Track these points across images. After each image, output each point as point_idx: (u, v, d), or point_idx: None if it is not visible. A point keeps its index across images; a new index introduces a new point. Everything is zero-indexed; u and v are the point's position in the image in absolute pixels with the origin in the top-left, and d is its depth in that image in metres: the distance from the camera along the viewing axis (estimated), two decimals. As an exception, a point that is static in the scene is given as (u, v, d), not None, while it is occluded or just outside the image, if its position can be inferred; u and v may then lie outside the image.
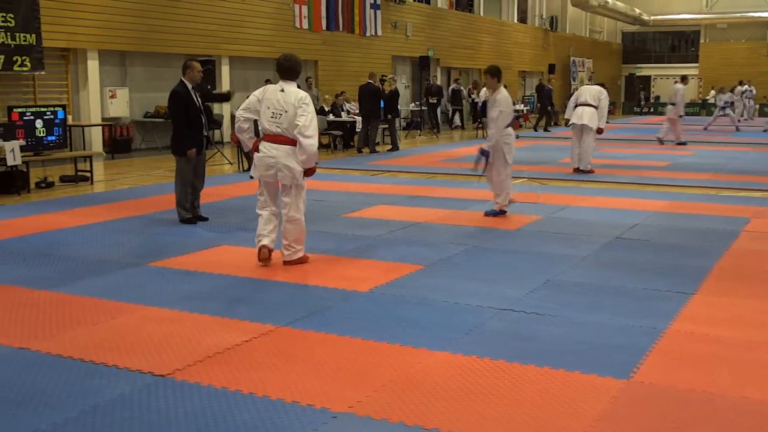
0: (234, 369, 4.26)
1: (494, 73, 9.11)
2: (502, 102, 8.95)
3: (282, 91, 6.49)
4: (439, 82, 27.74)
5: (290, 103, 6.42)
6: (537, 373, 4.22)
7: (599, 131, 13.53)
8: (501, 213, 9.11)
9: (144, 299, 5.61)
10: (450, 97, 27.67)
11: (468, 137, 22.96)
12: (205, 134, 8.88)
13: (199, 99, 8.76)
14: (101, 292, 5.82)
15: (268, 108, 6.50)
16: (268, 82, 19.95)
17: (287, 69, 6.61)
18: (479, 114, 23.27)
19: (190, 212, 8.80)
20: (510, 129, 9.16)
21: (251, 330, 4.92)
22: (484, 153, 8.82)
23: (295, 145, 6.47)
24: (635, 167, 14.52)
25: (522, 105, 28.25)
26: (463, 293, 5.80)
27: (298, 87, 6.64)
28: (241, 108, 6.81)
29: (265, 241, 6.71)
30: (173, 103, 8.70)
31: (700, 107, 40.30)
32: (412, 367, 4.32)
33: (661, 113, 37.54)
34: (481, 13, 32.67)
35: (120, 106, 17.06)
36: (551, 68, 36.56)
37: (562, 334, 4.89)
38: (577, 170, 13.60)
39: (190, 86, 8.70)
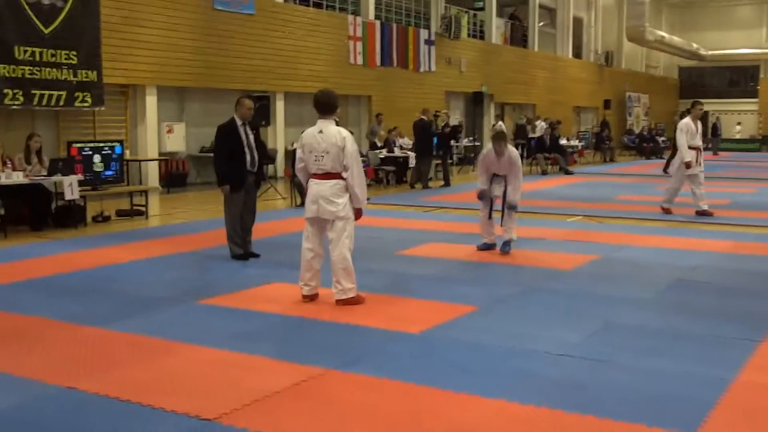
0: (281, 415, 4.15)
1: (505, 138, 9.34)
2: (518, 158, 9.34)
3: (321, 132, 6.47)
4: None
5: (332, 143, 6.39)
6: (597, 425, 4.02)
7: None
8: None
9: (193, 338, 5.55)
10: (514, 132, 27.60)
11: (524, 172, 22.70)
12: (252, 170, 8.79)
13: (249, 135, 8.77)
14: (151, 329, 5.78)
15: (311, 152, 6.49)
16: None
17: (324, 105, 6.57)
18: (533, 150, 23.07)
19: (241, 248, 8.76)
20: None
21: (300, 373, 4.80)
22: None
23: (340, 179, 6.43)
24: (694, 205, 14.12)
25: (577, 140, 27.92)
26: (518, 336, 5.62)
27: (337, 123, 6.63)
28: (296, 161, 6.78)
29: (305, 291, 6.70)
30: (216, 137, 8.84)
31: (761, 143, 39.40)
32: (465, 415, 4.15)
33: (721, 149, 36.92)
34: (536, 49, 32.55)
35: (177, 141, 17.30)
36: (606, 104, 36.18)
37: (623, 383, 4.67)
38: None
39: (239, 122, 8.72)
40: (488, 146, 9.30)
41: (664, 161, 22.12)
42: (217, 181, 8.79)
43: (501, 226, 9.17)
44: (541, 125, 25.71)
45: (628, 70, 41.72)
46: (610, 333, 5.75)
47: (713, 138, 35.65)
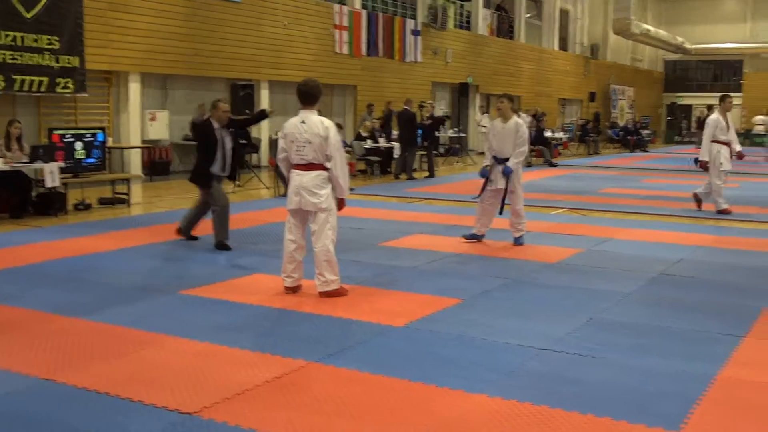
0: (263, 408, 4.10)
1: (511, 98, 9.21)
2: (526, 131, 9.25)
3: (303, 122, 6.41)
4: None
5: (314, 134, 6.34)
6: (580, 421, 4.00)
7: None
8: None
9: (174, 330, 5.49)
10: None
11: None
12: (223, 174, 8.82)
13: (226, 138, 8.75)
14: (132, 320, 5.71)
15: (293, 142, 6.43)
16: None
17: (306, 95, 6.50)
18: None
19: (225, 238, 8.72)
20: None
21: (282, 366, 4.76)
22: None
23: (323, 170, 6.38)
24: (678, 199, 14.15)
25: (562, 133, 27.95)
26: (502, 330, 5.59)
27: (319, 113, 6.57)
28: (278, 151, 6.70)
29: (288, 283, 6.67)
30: (194, 134, 8.91)
31: (743, 137, 39.58)
32: (448, 410, 4.12)
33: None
34: (522, 40, 32.53)
35: (160, 129, 17.16)
36: (592, 96, 36.25)
37: (607, 378, 4.65)
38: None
39: (216, 125, 8.68)
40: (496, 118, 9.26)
41: (648, 154, 22.17)
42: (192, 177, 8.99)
43: (501, 215, 9.20)
44: (524, 118, 25.74)
45: (613, 63, 41.80)
46: (594, 327, 5.74)
47: (697, 131, 35.86)
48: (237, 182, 10.47)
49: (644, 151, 31.40)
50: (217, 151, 8.65)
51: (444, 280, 7.23)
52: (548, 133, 24.36)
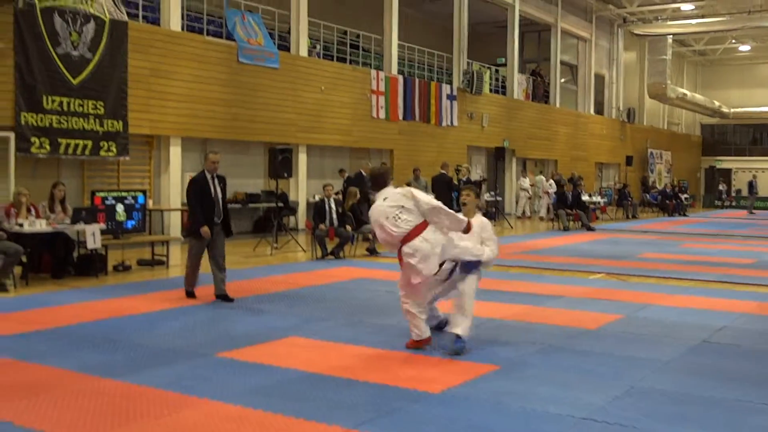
0: (297, 475, 4.06)
1: (478, 193, 8.01)
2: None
3: (386, 199, 6.82)
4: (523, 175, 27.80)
5: (404, 198, 6.77)
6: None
7: None
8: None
9: (209, 393, 5.48)
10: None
11: (545, 228, 22.61)
12: (218, 220, 9.36)
13: (218, 187, 9.36)
14: (167, 383, 5.72)
15: (387, 218, 6.74)
16: (341, 171, 20.26)
17: (377, 180, 7.13)
18: (555, 206, 23.00)
19: (193, 287, 9.50)
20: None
21: None
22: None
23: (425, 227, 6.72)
24: (719, 264, 13.96)
25: (599, 197, 27.84)
26: (540, 398, 5.49)
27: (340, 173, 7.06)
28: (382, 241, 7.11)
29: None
30: (189, 188, 9.46)
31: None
32: (485, 481, 4.04)
33: (743, 207, 36.71)
34: (557, 105, 32.70)
35: (199, 191, 17.37)
36: (628, 160, 36.18)
37: (649, 450, 4.53)
38: None
39: (209, 175, 9.33)
40: None
41: (687, 219, 22.00)
42: (190, 229, 9.53)
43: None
44: (545, 182, 26.12)
45: (649, 127, 41.75)
46: (634, 397, 5.61)
47: (749, 196, 35.76)
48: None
49: (683, 215, 31.09)
50: (212, 200, 9.29)
51: (481, 345, 7.15)
52: (586, 197, 24.26)
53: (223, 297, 9.30)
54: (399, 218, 6.69)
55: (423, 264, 6.70)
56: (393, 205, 6.75)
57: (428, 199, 6.83)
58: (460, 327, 6.79)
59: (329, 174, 20.36)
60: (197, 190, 9.27)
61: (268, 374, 6.06)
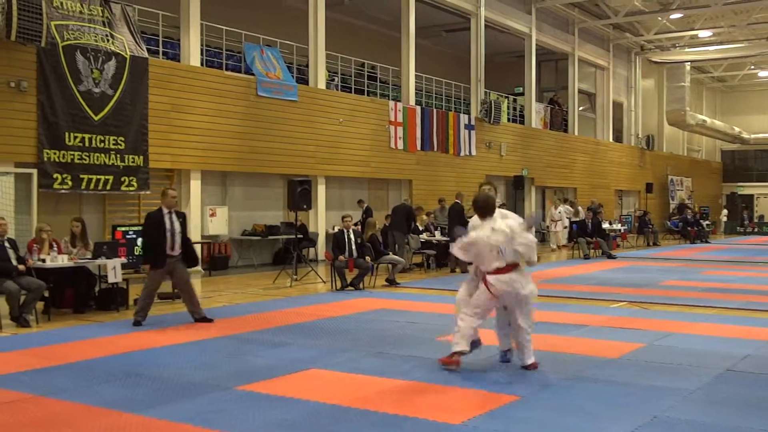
0: None
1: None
2: None
3: (494, 230, 7.16)
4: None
5: (507, 233, 7.15)
6: None
7: None
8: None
9: (230, 426, 5.47)
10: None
11: (566, 256, 22.50)
12: (173, 253, 9.91)
13: (175, 222, 9.92)
14: (188, 417, 5.71)
15: (491, 251, 7.13)
16: (360, 202, 20.32)
17: (487, 208, 7.37)
18: (575, 234, 22.89)
19: (142, 318, 9.88)
20: None
21: (337, 464, 4.69)
22: None
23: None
24: (742, 291, 13.80)
25: (619, 224, 27.67)
26: (562, 428, 5.44)
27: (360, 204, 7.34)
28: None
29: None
30: (144, 224, 10.23)
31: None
32: None
33: (766, 233, 36.33)
34: (576, 133, 32.69)
35: (219, 224, 17.53)
36: (649, 187, 36.01)
37: (674, 481, 4.47)
38: None
39: (165, 211, 9.91)
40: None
41: (709, 245, 21.83)
42: (143, 260, 10.23)
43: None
44: (562, 209, 25.53)
45: (669, 154, 41.61)
46: (658, 427, 5.54)
47: None
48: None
49: (705, 242, 30.83)
50: (166, 234, 9.82)
51: (501, 375, 7.11)
52: (606, 225, 24.13)
53: (201, 319, 9.98)
54: (502, 252, 7.10)
55: (508, 295, 7.23)
56: (499, 239, 7.12)
57: (529, 236, 7.26)
58: (532, 357, 7.31)
59: (348, 205, 20.44)
60: (152, 225, 9.93)
61: (288, 407, 6.04)
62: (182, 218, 10.15)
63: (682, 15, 31.96)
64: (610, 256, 21.64)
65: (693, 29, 34.06)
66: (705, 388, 6.70)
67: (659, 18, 32.80)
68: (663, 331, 9.57)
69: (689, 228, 31.48)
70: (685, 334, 9.36)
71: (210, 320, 10.00)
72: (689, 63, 37.99)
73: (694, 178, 43.28)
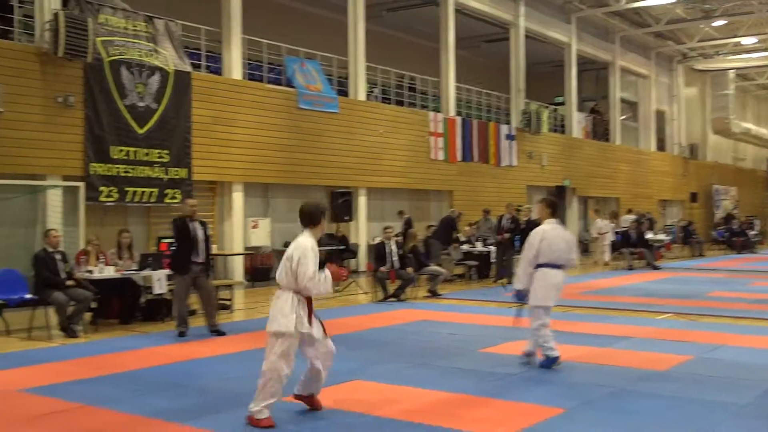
0: None
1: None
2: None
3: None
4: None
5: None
6: None
7: None
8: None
9: (275, 437, 5.49)
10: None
11: (609, 267, 22.23)
12: (197, 260, 10.01)
13: (198, 230, 10.09)
14: (233, 427, 5.75)
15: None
16: (401, 213, 20.33)
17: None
18: (618, 244, 22.60)
19: (185, 327, 9.98)
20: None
21: (383, 477, 4.67)
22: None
23: None
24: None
25: (664, 235, 27.26)
26: (609, 443, 5.36)
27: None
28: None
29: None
30: (173, 230, 10.30)
31: None
32: None
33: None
34: (618, 142, 32.36)
35: (261, 236, 17.65)
36: (693, 197, 35.47)
37: (726, 497, 4.37)
38: None
39: (189, 219, 10.08)
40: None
41: (757, 256, 21.42)
42: (172, 266, 10.38)
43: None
44: (601, 222, 24.78)
45: (714, 163, 40.97)
46: (709, 441, 5.44)
47: None
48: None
49: (752, 252, 30.24)
50: (191, 241, 10.01)
51: (546, 388, 7.04)
52: (650, 235, 23.78)
53: (216, 332, 10.06)
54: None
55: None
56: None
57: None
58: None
59: (389, 216, 20.45)
60: (177, 230, 10.12)
61: (333, 417, 6.04)
62: (204, 226, 10.31)
63: (725, 22, 31.51)
64: (655, 267, 21.34)
65: (736, 36, 33.54)
66: (756, 402, 6.56)
67: (701, 26, 32.38)
68: (711, 343, 9.40)
69: (735, 238, 30.92)
70: (734, 347, 9.18)
71: (223, 333, 10.06)
72: (733, 70, 37.41)
73: (740, 187, 42.53)
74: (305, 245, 5.91)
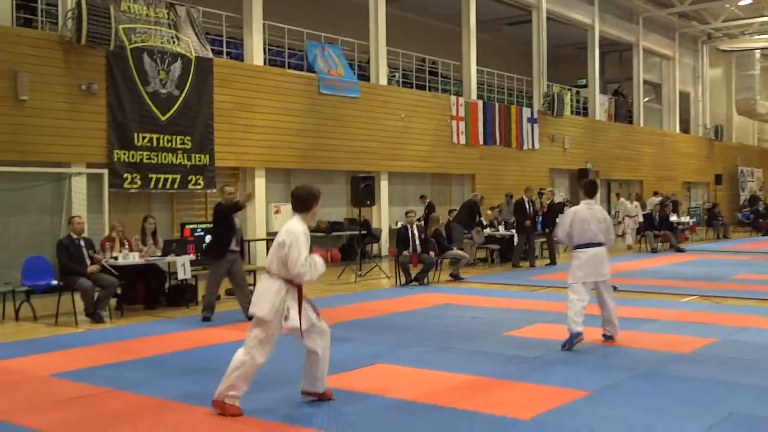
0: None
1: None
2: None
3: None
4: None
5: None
6: None
7: None
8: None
9: (300, 420, 5.54)
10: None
11: (633, 250, 22.10)
12: (235, 248, 10.29)
13: (234, 217, 10.25)
14: (259, 411, 5.80)
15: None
16: (422, 198, 20.30)
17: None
18: (642, 227, 22.46)
19: (212, 313, 10.18)
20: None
21: (407, 459, 4.70)
22: None
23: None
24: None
25: (688, 217, 27.04)
26: (634, 425, 5.35)
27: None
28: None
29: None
30: (214, 216, 10.47)
31: None
32: None
33: None
34: (641, 124, 32.08)
35: (283, 221, 17.58)
36: (718, 179, 35.11)
37: (752, 479, 4.35)
38: None
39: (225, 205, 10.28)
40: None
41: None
42: (210, 252, 10.49)
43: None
44: (624, 203, 24.54)
45: (739, 144, 40.51)
46: (734, 423, 5.41)
47: None
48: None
49: (778, 234, 29.92)
50: (230, 227, 10.20)
51: (570, 370, 7.03)
52: (674, 218, 23.59)
53: (251, 317, 9.96)
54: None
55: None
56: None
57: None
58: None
59: (411, 201, 20.43)
60: (218, 216, 10.24)
61: (355, 402, 6.07)
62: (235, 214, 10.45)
63: (751, 1, 31.04)
64: (679, 249, 21.20)
65: (762, 15, 33.03)
66: (782, 383, 6.51)
67: (727, 5, 31.93)
68: (736, 325, 9.33)
69: (761, 220, 30.61)
70: (759, 329, 9.12)
71: (251, 318, 10.10)
72: (759, 50, 36.88)
73: (766, 169, 42.04)
74: (297, 231, 5.75)
